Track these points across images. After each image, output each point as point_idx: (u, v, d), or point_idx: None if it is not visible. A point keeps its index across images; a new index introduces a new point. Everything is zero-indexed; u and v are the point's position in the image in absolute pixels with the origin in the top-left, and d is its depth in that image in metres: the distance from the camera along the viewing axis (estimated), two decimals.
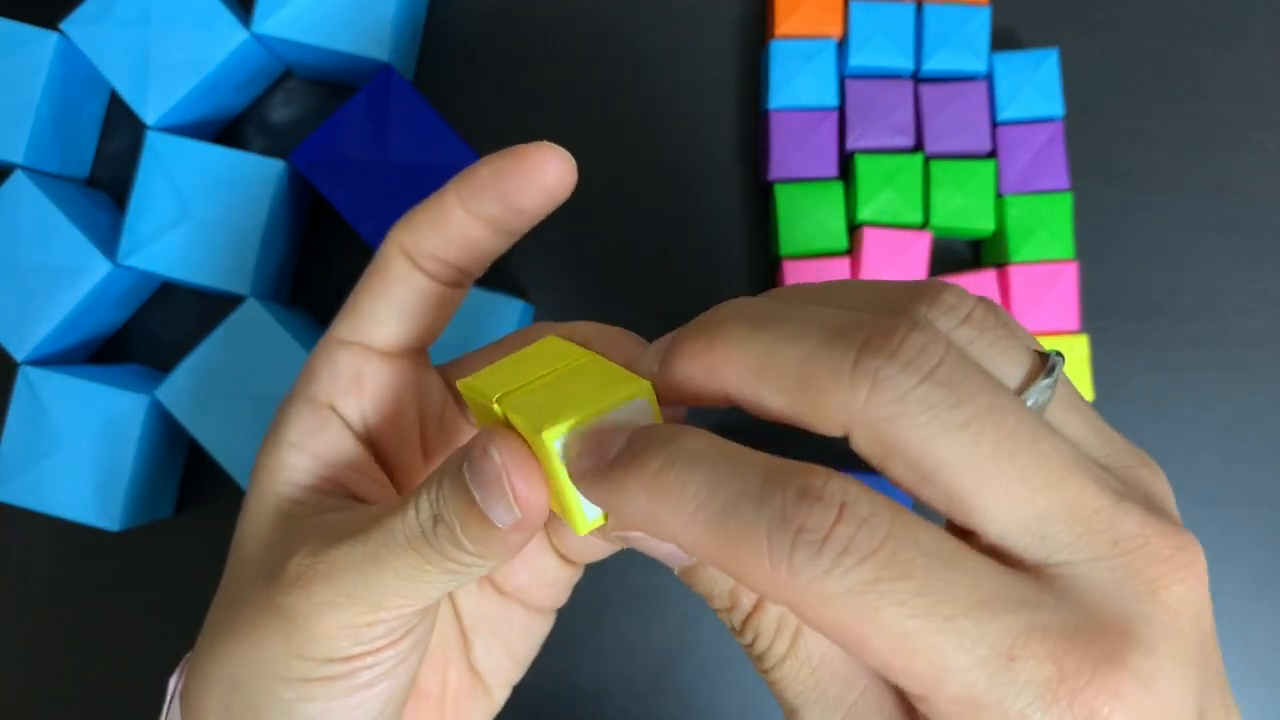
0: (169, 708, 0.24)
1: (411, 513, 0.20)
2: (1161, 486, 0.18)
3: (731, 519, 0.16)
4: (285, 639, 0.21)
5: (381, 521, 0.21)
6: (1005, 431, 0.16)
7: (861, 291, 0.19)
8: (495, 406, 0.20)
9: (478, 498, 0.19)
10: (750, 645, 0.18)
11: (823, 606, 0.15)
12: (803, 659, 0.18)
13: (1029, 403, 0.17)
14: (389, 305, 0.24)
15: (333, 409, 0.24)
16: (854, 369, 0.16)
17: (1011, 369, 0.17)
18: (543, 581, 0.27)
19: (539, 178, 0.22)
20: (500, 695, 0.27)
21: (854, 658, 0.17)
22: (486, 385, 0.21)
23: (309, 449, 0.24)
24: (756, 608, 0.18)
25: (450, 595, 0.27)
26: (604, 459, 0.18)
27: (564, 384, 0.20)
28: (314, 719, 0.21)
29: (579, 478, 0.18)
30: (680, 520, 0.16)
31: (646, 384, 0.19)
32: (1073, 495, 0.16)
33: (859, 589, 0.15)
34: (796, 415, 0.17)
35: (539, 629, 0.28)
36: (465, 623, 0.27)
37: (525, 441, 0.20)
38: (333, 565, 0.21)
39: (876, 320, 0.17)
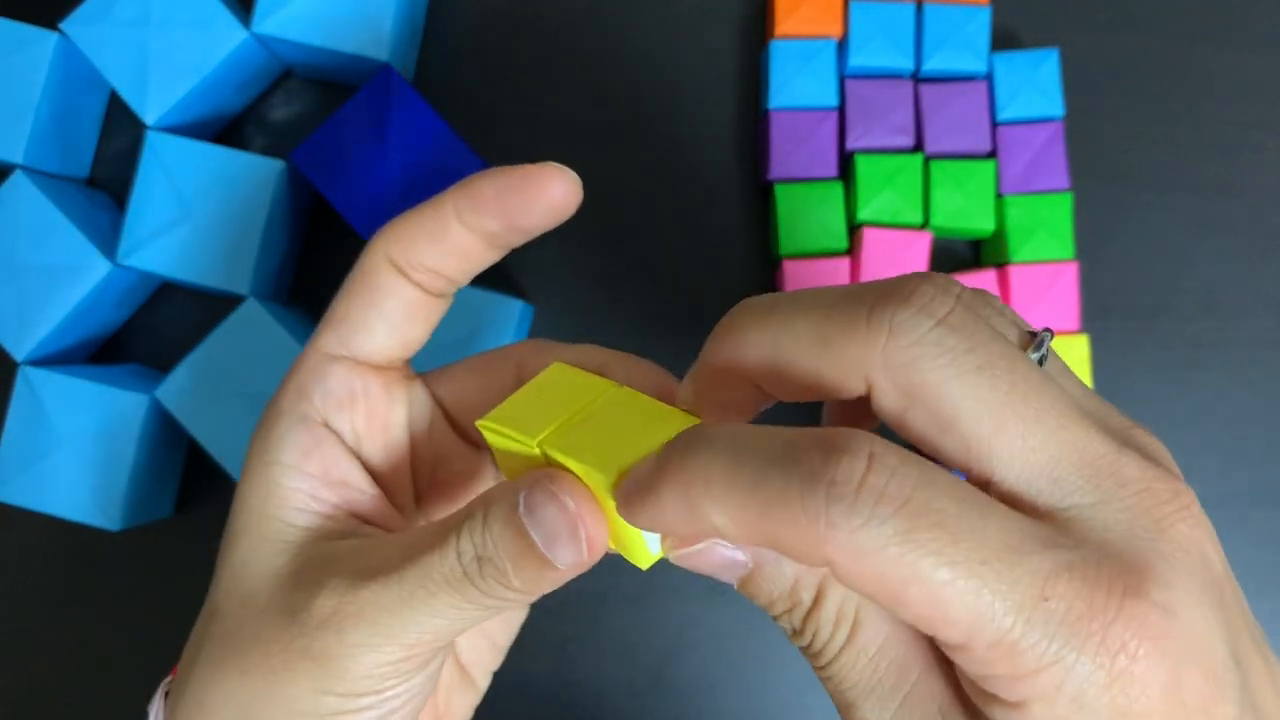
0: None
1: (452, 555, 0.20)
2: (1157, 444, 0.18)
3: (762, 488, 0.16)
4: (315, 680, 0.21)
5: (417, 561, 0.20)
6: (1019, 376, 0.16)
7: (847, 285, 0.19)
8: (536, 448, 0.20)
9: (538, 540, 0.19)
10: (809, 644, 0.18)
11: (862, 560, 0.15)
12: (859, 648, 0.18)
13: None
14: (378, 316, 0.24)
15: (327, 426, 0.24)
16: (869, 319, 0.17)
17: (1007, 336, 0.18)
18: None
19: (544, 199, 0.22)
20: (483, 684, 0.28)
21: (910, 645, 0.18)
22: (515, 424, 0.21)
23: (307, 470, 0.23)
24: (816, 603, 0.18)
25: None
26: (641, 482, 0.18)
27: (606, 421, 0.20)
28: None
29: (625, 508, 0.18)
30: (715, 505, 0.16)
31: (697, 419, 0.20)
32: (1081, 440, 0.16)
33: (895, 539, 0.15)
34: (819, 378, 0.18)
35: (518, 618, 0.28)
36: None
37: (582, 482, 0.20)
38: (365, 607, 0.20)
39: (884, 282, 0.17)
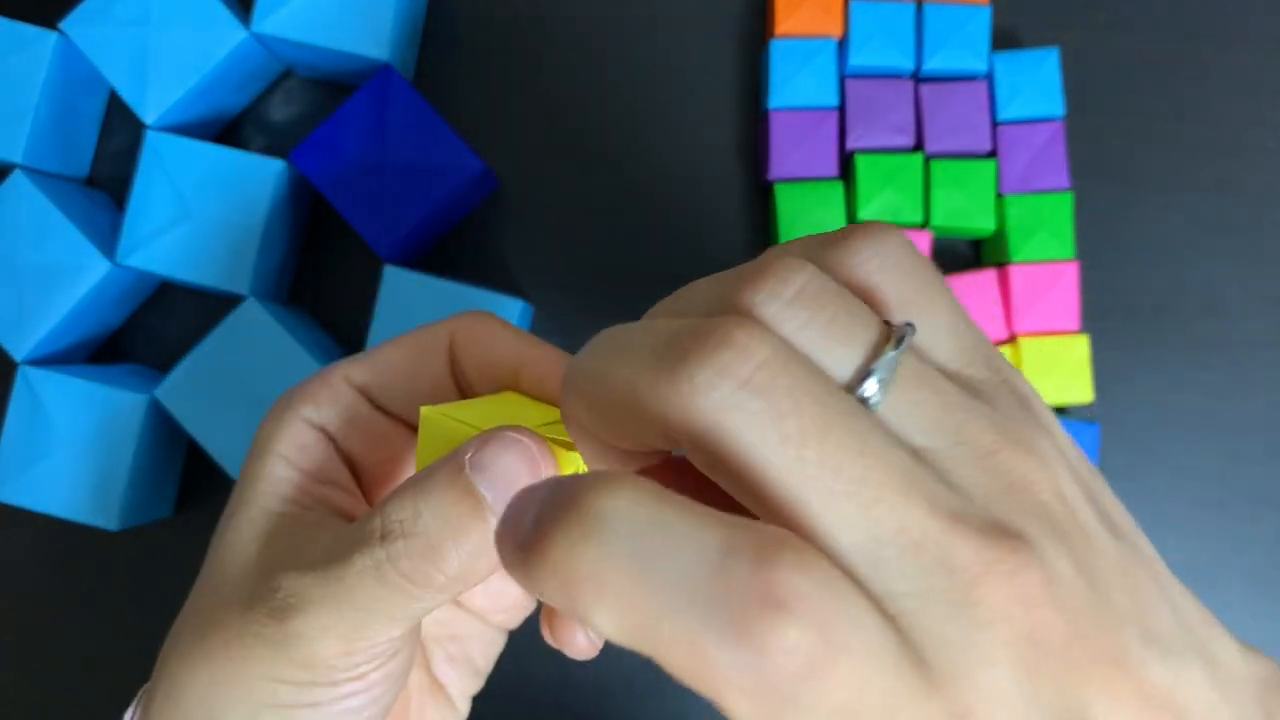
0: None
1: (375, 538, 0.20)
2: (1023, 385, 0.16)
3: (673, 619, 0.13)
4: (268, 666, 0.21)
5: (342, 552, 0.20)
6: (832, 443, 0.14)
7: (699, 290, 0.17)
8: (482, 427, 0.20)
9: (489, 497, 0.19)
10: None
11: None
12: None
13: (867, 394, 0.15)
14: (409, 382, 0.24)
15: (326, 433, 0.24)
16: (671, 377, 0.14)
17: (848, 350, 0.15)
18: (501, 606, 0.27)
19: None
20: (463, 707, 0.27)
21: None
22: (467, 418, 0.21)
23: (301, 465, 0.24)
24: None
25: None
26: (516, 538, 0.14)
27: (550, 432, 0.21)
28: None
29: (503, 561, 0.15)
30: (606, 617, 0.13)
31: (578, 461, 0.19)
32: (901, 517, 0.14)
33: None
34: (635, 438, 0.16)
35: (497, 641, 0.27)
36: (425, 630, 0.26)
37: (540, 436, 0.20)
38: (302, 599, 0.20)
39: (698, 324, 0.15)
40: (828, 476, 0.14)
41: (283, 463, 0.23)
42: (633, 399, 0.15)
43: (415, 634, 0.23)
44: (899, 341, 0.15)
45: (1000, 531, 0.14)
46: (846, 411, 0.14)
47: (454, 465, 0.20)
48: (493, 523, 0.19)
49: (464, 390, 0.25)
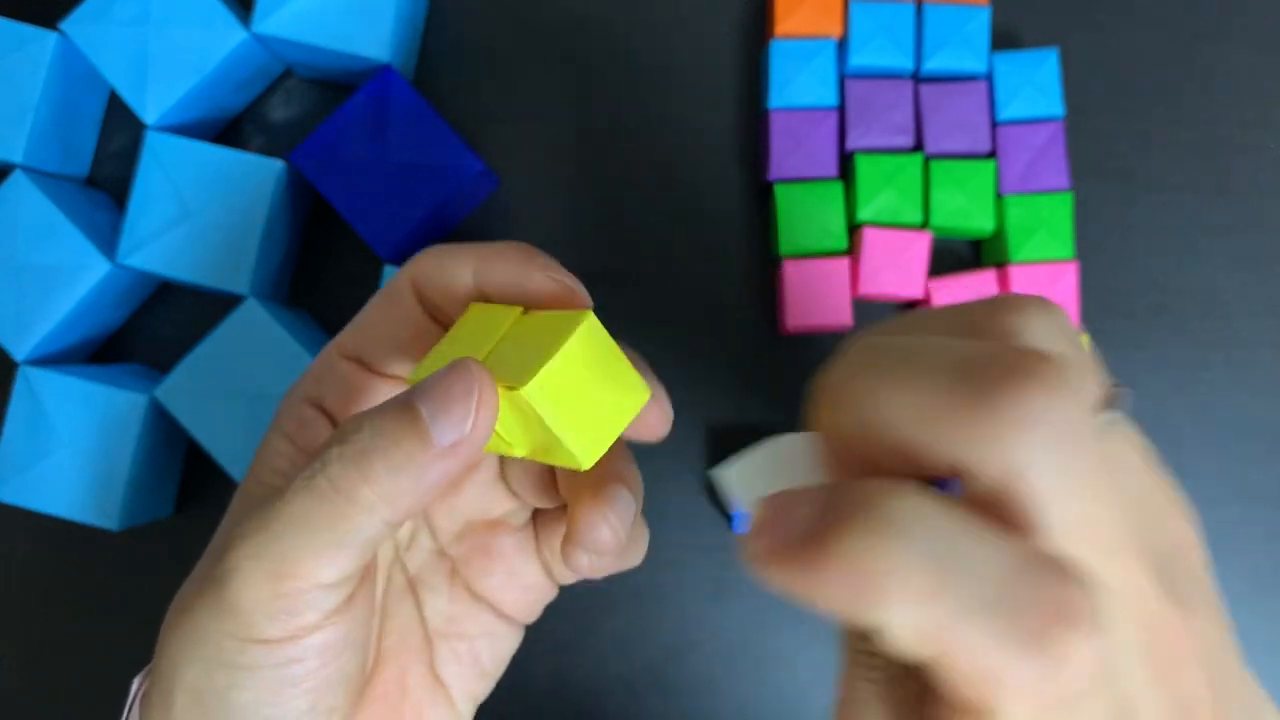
0: (129, 712, 0.24)
1: (317, 461, 0.20)
2: (1183, 536, 0.18)
3: (978, 618, 0.13)
4: (214, 616, 0.20)
5: (285, 487, 0.21)
6: (1103, 503, 0.15)
7: (956, 317, 0.18)
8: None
9: (424, 413, 0.20)
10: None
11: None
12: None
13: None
14: (389, 334, 0.25)
15: (323, 410, 0.25)
16: (993, 409, 0.15)
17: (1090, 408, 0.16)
18: (518, 586, 0.26)
19: (541, 293, 0.22)
20: (466, 710, 0.26)
21: None
22: (440, 362, 0.22)
23: (298, 441, 0.24)
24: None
25: (414, 592, 0.26)
26: (788, 536, 0.15)
27: (517, 342, 0.21)
28: (245, 708, 0.21)
29: (757, 560, 0.15)
30: (898, 612, 0.14)
31: (585, 312, 0.21)
32: (1133, 580, 0.16)
33: None
34: (917, 459, 0.16)
35: (506, 641, 0.27)
36: (430, 624, 0.26)
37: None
38: (244, 529, 0.20)
39: (1005, 352, 0.15)
40: (1100, 534, 0.15)
41: (284, 440, 0.24)
42: (924, 422, 0.15)
43: (358, 614, 0.22)
44: (1118, 403, 0.17)
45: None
46: (1103, 449, 0.16)
47: (405, 394, 0.20)
48: (429, 440, 0.20)
49: (444, 324, 0.25)
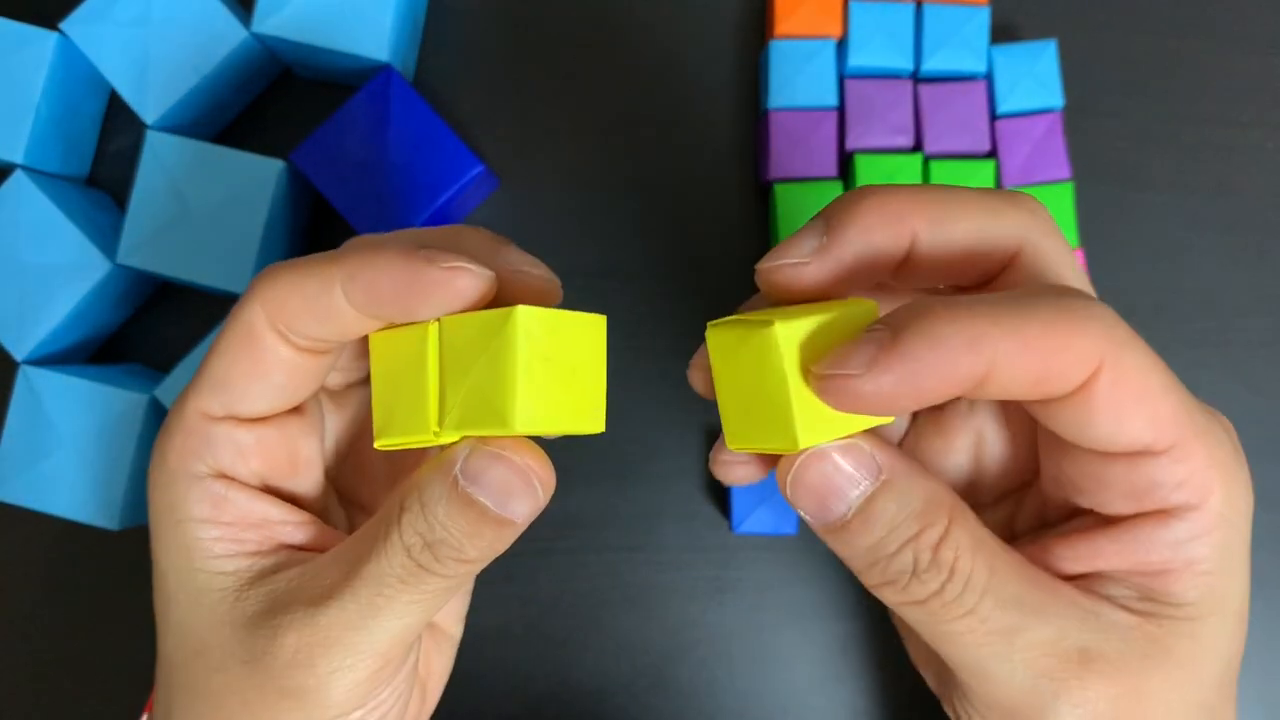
0: None
1: (399, 552, 0.20)
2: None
3: (1033, 315, 0.19)
4: (301, 714, 0.21)
5: (363, 570, 0.20)
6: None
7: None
8: (441, 438, 0.21)
9: (489, 503, 0.20)
10: (927, 582, 0.20)
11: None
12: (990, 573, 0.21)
13: None
14: (259, 381, 0.22)
15: (226, 477, 0.23)
16: (1019, 202, 0.22)
17: None
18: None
19: (448, 294, 0.20)
20: (456, 631, 0.28)
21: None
22: (405, 428, 0.21)
23: (221, 520, 0.22)
24: (949, 530, 0.20)
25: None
26: (878, 352, 0.18)
27: (455, 369, 0.20)
28: None
29: (836, 379, 0.18)
30: (1002, 335, 0.19)
31: (512, 309, 0.19)
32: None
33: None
34: (979, 241, 0.21)
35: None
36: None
37: (502, 439, 0.20)
38: (328, 633, 0.20)
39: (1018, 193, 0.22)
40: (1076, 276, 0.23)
41: (205, 526, 0.22)
42: (985, 213, 0.21)
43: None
44: None
45: None
46: None
47: (446, 483, 0.20)
48: (498, 515, 0.20)
49: (321, 352, 0.23)
